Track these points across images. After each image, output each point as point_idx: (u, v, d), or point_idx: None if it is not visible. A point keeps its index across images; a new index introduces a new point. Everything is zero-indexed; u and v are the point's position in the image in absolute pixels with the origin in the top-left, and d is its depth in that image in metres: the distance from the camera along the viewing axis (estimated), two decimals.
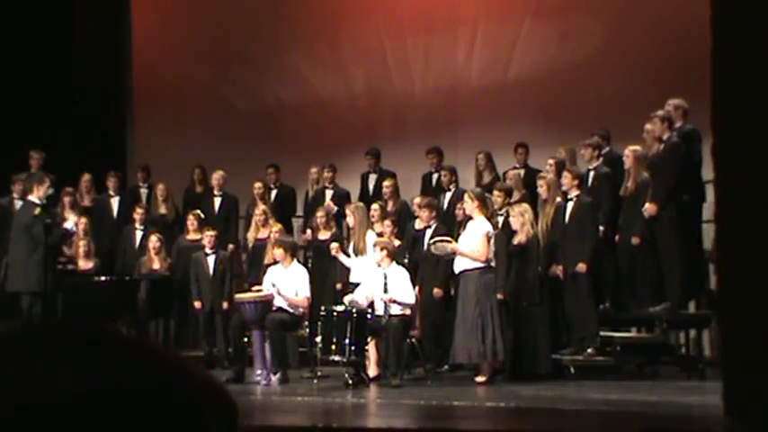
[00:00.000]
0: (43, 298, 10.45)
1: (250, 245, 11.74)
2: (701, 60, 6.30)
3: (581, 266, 9.82)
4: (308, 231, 11.99)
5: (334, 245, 10.69)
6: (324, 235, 11.30)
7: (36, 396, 0.80)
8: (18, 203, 11.48)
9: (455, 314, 9.71)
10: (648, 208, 9.82)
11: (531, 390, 8.93)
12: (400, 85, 13.84)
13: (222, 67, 14.37)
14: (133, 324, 11.04)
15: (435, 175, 12.03)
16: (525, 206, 10.00)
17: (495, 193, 10.35)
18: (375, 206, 11.01)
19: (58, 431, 0.79)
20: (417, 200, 11.19)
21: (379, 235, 10.43)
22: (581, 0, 13.04)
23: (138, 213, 12.03)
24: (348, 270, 10.66)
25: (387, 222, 10.61)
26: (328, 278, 11.15)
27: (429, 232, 10.47)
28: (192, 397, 0.85)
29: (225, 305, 11.07)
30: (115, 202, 12.70)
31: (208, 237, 11.21)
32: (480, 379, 9.47)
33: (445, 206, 11.37)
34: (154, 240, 11.47)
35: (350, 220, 10.79)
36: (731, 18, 6.02)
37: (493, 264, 9.61)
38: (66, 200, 11.86)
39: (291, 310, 9.93)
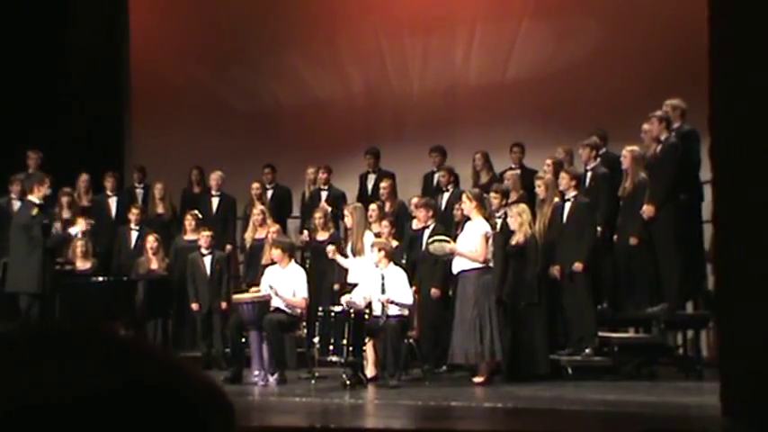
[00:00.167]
0: (41, 298, 10.45)
1: (248, 245, 11.74)
2: (699, 61, 6.31)
3: (577, 266, 9.82)
4: (305, 232, 12.00)
5: (331, 247, 10.69)
6: (322, 236, 11.29)
7: (33, 397, 0.79)
8: (16, 204, 11.48)
9: (453, 315, 9.71)
10: (646, 209, 9.83)
11: (528, 390, 8.93)
12: (398, 86, 13.84)
13: (220, 68, 14.37)
14: (131, 324, 11.04)
15: (437, 175, 12.01)
16: (523, 206, 10.01)
17: (492, 194, 10.35)
18: (373, 206, 11.02)
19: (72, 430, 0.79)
20: (415, 200, 11.19)
21: (377, 235, 10.43)
22: (579, 1, 13.05)
23: (134, 214, 12.03)
24: (346, 271, 10.66)
25: (384, 223, 10.61)
26: (326, 279, 11.14)
27: (427, 232, 10.47)
28: (189, 398, 0.85)
29: (223, 305, 11.07)
30: (113, 203, 12.71)
31: (204, 237, 11.22)
32: (478, 379, 9.47)
33: (443, 206, 11.37)
34: (151, 241, 11.47)
35: (348, 221, 10.79)
36: (729, 18, 6.02)
37: (491, 264, 9.61)
38: (65, 200, 11.86)
39: (289, 311, 9.92)
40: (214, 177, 12.59)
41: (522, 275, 9.79)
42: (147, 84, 14.62)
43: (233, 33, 14.18)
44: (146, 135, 14.45)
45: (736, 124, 5.94)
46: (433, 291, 10.38)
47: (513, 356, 9.66)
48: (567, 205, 10.12)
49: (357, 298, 9.76)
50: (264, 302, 9.87)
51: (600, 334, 10.06)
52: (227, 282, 11.34)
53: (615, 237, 10.42)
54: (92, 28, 14.16)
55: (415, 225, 10.84)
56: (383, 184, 11.78)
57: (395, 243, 10.43)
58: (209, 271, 11.19)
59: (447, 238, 9.85)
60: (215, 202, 12.60)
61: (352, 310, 9.48)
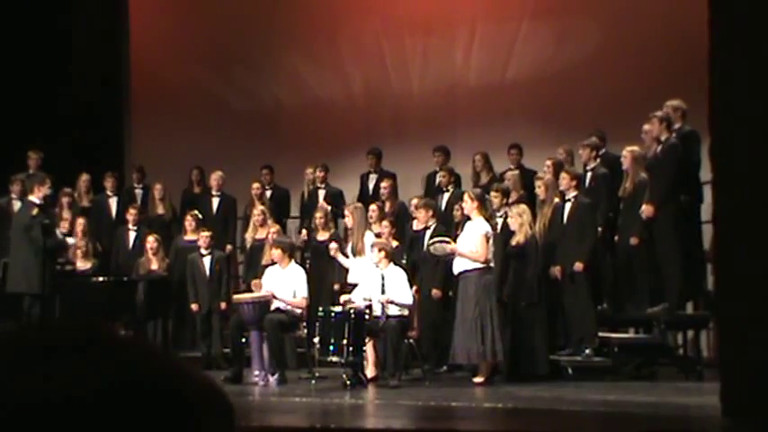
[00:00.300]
0: (42, 299, 10.45)
1: (248, 245, 11.73)
2: (699, 61, 6.31)
3: (578, 266, 9.82)
4: (304, 232, 12.01)
5: (333, 245, 10.69)
6: (322, 236, 11.29)
7: (33, 397, 0.80)
8: (16, 204, 11.48)
9: (454, 315, 9.71)
10: (646, 209, 9.83)
11: (528, 390, 8.93)
12: (398, 86, 13.83)
13: (220, 68, 14.36)
14: (131, 324, 11.04)
15: (438, 175, 12.00)
16: (523, 207, 10.01)
17: (493, 193, 10.35)
18: (373, 207, 11.02)
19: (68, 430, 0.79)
20: (415, 201, 11.18)
21: (378, 236, 10.43)
22: (578, 1, 13.05)
23: (131, 214, 12.03)
24: (346, 271, 10.66)
25: (385, 223, 10.61)
26: (326, 279, 11.14)
27: (428, 233, 10.46)
28: (189, 398, 0.85)
29: (222, 306, 11.07)
30: (113, 203, 12.70)
31: (203, 237, 11.22)
32: (478, 380, 9.47)
33: (443, 207, 11.36)
34: (151, 241, 11.47)
35: (348, 221, 10.79)
36: (729, 19, 6.03)
37: (492, 264, 9.60)
38: (65, 200, 11.86)
39: (289, 311, 9.91)
40: (214, 177, 12.59)
41: (523, 276, 9.79)
42: (147, 84, 14.61)
43: (233, 33, 14.17)
44: (146, 135, 14.44)
45: (736, 125, 5.95)
46: (434, 291, 10.38)
47: (513, 357, 9.66)
48: (568, 205, 10.12)
49: (357, 298, 9.76)
50: (265, 302, 9.87)
51: (600, 334, 10.06)
52: (227, 282, 11.35)
53: (616, 237, 10.42)
54: (92, 28, 14.16)
55: (416, 226, 10.84)
56: (384, 185, 11.78)
57: (395, 243, 10.43)
58: (208, 271, 11.19)
59: (448, 239, 9.85)
60: (215, 202, 12.60)
61: (352, 311, 9.48)
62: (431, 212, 10.63)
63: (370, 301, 9.64)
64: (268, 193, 12.61)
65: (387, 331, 9.54)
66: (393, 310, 9.68)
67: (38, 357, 0.82)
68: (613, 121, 11.43)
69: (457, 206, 10.63)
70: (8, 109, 12.78)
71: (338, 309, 9.65)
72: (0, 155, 12.18)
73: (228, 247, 12.16)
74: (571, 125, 11.98)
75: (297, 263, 10.45)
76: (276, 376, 9.65)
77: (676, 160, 9.86)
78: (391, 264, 9.83)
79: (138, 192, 12.93)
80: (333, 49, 13.96)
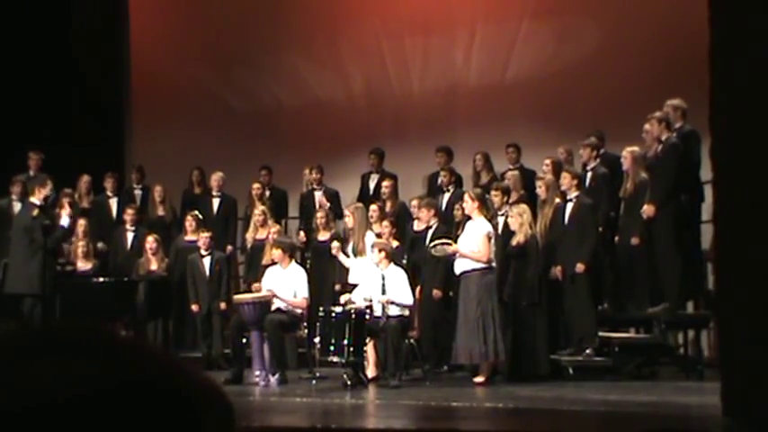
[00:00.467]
0: (42, 299, 10.45)
1: (249, 245, 11.73)
2: (699, 61, 6.31)
3: (579, 267, 9.82)
4: (302, 233, 12.03)
5: (335, 244, 10.69)
6: (323, 236, 11.29)
7: (33, 397, 0.80)
8: (17, 205, 11.48)
9: (455, 315, 9.71)
10: (647, 209, 9.83)
11: (529, 390, 8.93)
12: (399, 86, 13.84)
13: (221, 69, 14.37)
14: (132, 325, 11.05)
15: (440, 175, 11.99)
16: (524, 207, 10.01)
17: (493, 192, 10.36)
18: (374, 207, 11.02)
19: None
20: (415, 201, 11.17)
21: (378, 236, 10.43)
22: (578, 1, 13.05)
23: (129, 214, 12.03)
24: (347, 271, 10.66)
25: (385, 223, 10.61)
26: (327, 279, 11.14)
27: (430, 233, 10.45)
28: (189, 398, 0.85)
29: (222, 306, 11.08)
30: (114, 203, 12.70)
31: (203, 238, 11.22)
32: (479, 379, 9.47)
33: (443, 207, 11.36)
34: (151, 241, 11.48)
35: (349, 221, 10.80)
36: (729, 18, 6.03)
37: (494, 264, 9.60)
38: (65, 201, 11.85)
39: (290, 311, 9.92)
40: (215, 178, 12.59)
41: (523, 276, 9.79)
42: (147, 84, 14.62)
43: (234, 34, 14.17)
44: (146, 136, 14.45)
45: (736, 124, 5.95)
46: (434, 291, 10.38)
47: (514, 357, 9.66)
48: (569, 205, 10.12)
49: (357, 298, 9.76)
50: (265, 303, 9.87)
51: (600, 334, 10.06)
52: (227, 282, 11.35)
53: (617, 237, 10.42)
54: (92, 29, 14.16)
55: (417, 226, 10.84)
56: (384, 184, 11.78)
57: (395, 243, 10.43)
58: (208, 272, 11.19)
59: (449, 240, 9.84)
60: (216, 202, 12.59)
61: (352, 311, 9.49)
62: (433, 212, 10.63)
63: (371, 301, 9.64)
64: (266, 194, 12.60)
65: (387, 331, 9.55)
66: (393, 311, 9.69)
67: (38, 358, 0.82)
68: (614, 120, 11.43)
69: (457, 206, 10.63)
70: (8, 109, 12.78)
71: (339, 309, 9.65)
72: (0, 156, 12.18)
73: (229, 247, 12.17)
74: (571, 125, 11.98)
75: (297, 263, 10.45)
76: (277, 376, 9.66)
77: (677, 160, 9.86)
78: (392, 264, 9.84)
79: (138, 192, 12.93)
80: (333, 50, 13.96)
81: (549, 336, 9.80)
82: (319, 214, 11.43)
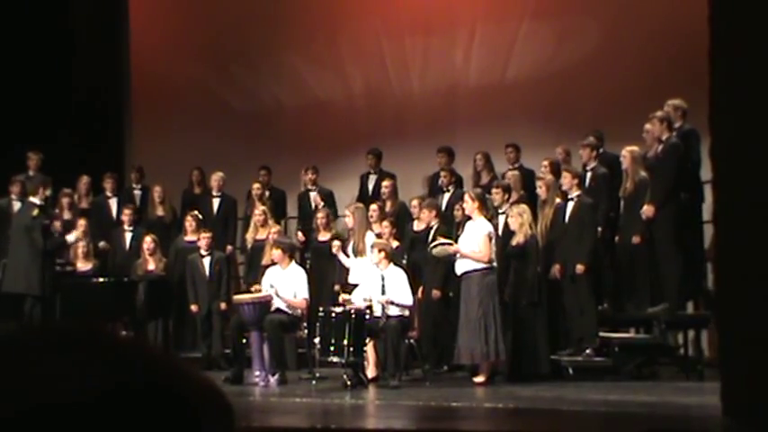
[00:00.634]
0: (41, 299, 10.45)
1: (249, 246, 11.73)
2: (699, 61, 6.30)
3: (579, 268, 9.82)
4: (299, 233, 12.04)
5: (336, 243, 10.68)
6: (323, 236, 11.29)
7: (32, 398, 0.80)
8: (16, 204, 11.48)
9: (456, 315, 9.70)
10: (646, 209, 9.83)
11: (529, 390, 8.93)
12: (399, 86, 13.83)
13: (220, 68, 14.37)
14: (131, 325, 11.05)
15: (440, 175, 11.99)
16: (524, 207, 10.00)
17: (494, 190, 10.36)
18: (373, 207, 11.02)
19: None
20: (415, 202, 11.16)
21: (378, 236, 10.43)
22: (578, 1, 13.05)
23: (126, 215, 12.03)
24: (347, 271, 10.66)
25: (385, 223, 10.61)
26: (327, 279, 11.14)
27: (431, 233, 10.44)
28: (188, 398, 0.85)
29: (223, 306, 11.07)
30: (113, 204, 12.69)
31: (203, 239, 11.22)
32: (479, 379, 9.47)
33: (444, 207, 11.36)
34: (148, 242, 11.48)
35: (349, 221, 10.80)
36: (729, 18, 6.02)
37: (495, 264, 9.60)
38: (65, 201, 11.86)
39: (290, 312, 9.92)
40: (215, 178, 12.58)
41: (523, 276, 9.79)
42: (147, 84, 14.62)
43: (233, 34, 14.17)
44: (146, 136, 14.45)
45: (736, 124, 5.95)
46: (434, 292, 10.38)
47: (515, 357, 9.65)
48: (570, 205, 10.12)
49: (357, 299, 9.76)
50: (265, 303, 9.86)
51: (600, 334, 10.06)
52: (227, 283, 11.34)
53: (617, 237, 10.42)
54: (93, 29, 14.16)
55: (417, 226, 10.83)
56: (384, 184, 11.78)
57: (395, 244, 10.43)
58: (208, 272, 11.19)
59: (450, 241, 9.83)
60: (216, 202, 12.59)
61: (352, 311, 9.48)
62: (434, 212, 10.62)
63: (370, 301, 9.64)
64: (266, 194, 12.60)
65: (387, 332, 9.54)
66: (393, 311, 9.68)
67: (37, 359, 0.82)
68: (614, 120, 11.43)
69: (457, 206, 10.62)
70: (8, 109, 12.78)
71: (339, 309, 9.64)
72: (0, 156, 12.18)
73: (229, 247, 12.16)
74: (571, 125, 11.98)
75: (297, 263, 10.45)
76: (276, 377, 9.66)
77: (677, 159, 9.87)
78: (391, 264, 9.83)
79: (137, 192, 12.93)
80: (333, 50, 13.96)
81: (549, 336, 9.80)
82: (319, 214, 11.43)
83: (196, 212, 11.88)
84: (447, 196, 11.52)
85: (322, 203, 11.89)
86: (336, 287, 10.87)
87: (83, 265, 11.44)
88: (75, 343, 0.85)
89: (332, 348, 9.34)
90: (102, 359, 0.83)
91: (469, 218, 9.81)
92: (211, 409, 0.87)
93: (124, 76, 14.76)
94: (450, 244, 9.75)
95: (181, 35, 14.53)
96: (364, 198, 11.97)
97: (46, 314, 10.32)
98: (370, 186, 12.37)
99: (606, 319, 10.44)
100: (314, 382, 9.78)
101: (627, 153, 10.13)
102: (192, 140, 13.77)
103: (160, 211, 12.53)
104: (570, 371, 9.84)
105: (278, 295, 9.84)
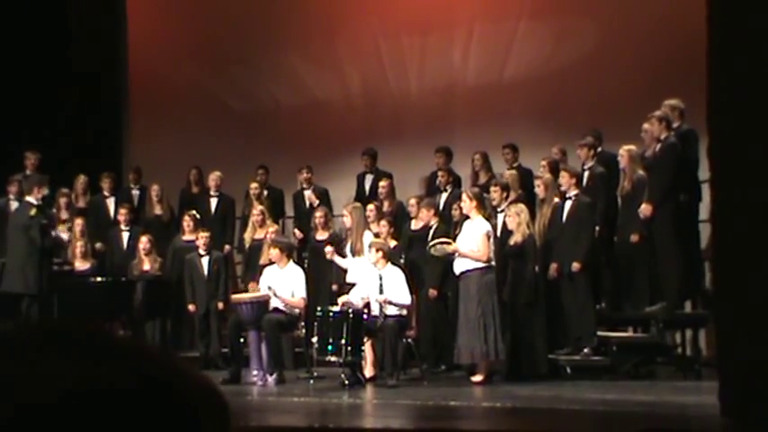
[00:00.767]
0: (39, 299, 10.44)
1: (247, 245, 11.73)
2: (697, 61, 6.31)
3: (576, 266, 9.83)
4: (297, 232, 12.03)
5: (329, 248, 10.68)
6: (321, 235, 11.28)
7: (26, 396, 0.80)
8: (14, 204, 11.47)
9: (456, 315, 9.70)
10: (644, 208, 9.84)
11: (527, 390, 8.94)
12: (396, 86, 13.83)
13: (218, 68, 14.36)
14: (129, 325, 11.05)
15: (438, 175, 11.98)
16: (521, 206, 10.00)
17: (492, 189, 10.35)
18: (371, 206, 11.02)
19: (58, 430, 0.79)
20: (413, 200, 11.16)
21: (376, 236, 10.43)
22: (576, 1, 13.05)
23: (122, 214, 12.03)
24: (344, 271, 10.66)
25: (383, 223, 10.60)
26: (325, 279, 11.14)
27: (430, 233, 10.44)
28: (186, 397, 0.85)
29: (221, 306, 11.07)
30: (111, 203, 12.69)
31: (202, 238, 11.21)
32: (477, 379, 9.47)
33: (441, 206, 11.36)
34: (144, 241, 11.48)
35: (347, 221, 10.79)
36: (727, 18, 6.03)
37: (493, 263, 9.59)
38: (62, 201, 11.85)
39: (288, 311, 9.92)
40: (213, 178, 12.58)
41: (521, 275, 9.79)
42: (145, 84, 14.61)
43: (231, 34, 14.16)
44: (144, 135, 14.44)
45: (733, 124, 5.95)
46: (431, 291, 10.38)
47: (512, 356, 9.66)
48: (568, 204, 10.13)
49: (355, 298, 9.76)
50: (263, 302, 9.86)
51: (598, 333, 10.07)
52: (225, 282, 11.34)
53: (615, 236, 10.43)
54: (90, 29, 14.15)
55: (414, 225, 10.84)
56: (381, 184, 11.78)
57: (393, 243, 10.43)
58: (206, 272, 11.19)
59: (448, 241, 9.83)
60: (213, 202, 12.59)
61: (350, 311, 9.48)
62: (432, 212, 10.62)
63: (368, 300, 9.64)
64: (264, 193, 12.60)
65: (385, 331, 9.54)
66: (391, 310, 9.69)
67: (32, 357, 0.82)
68: (612, 120, 11.43)
69: (455, 206, 10.62)
70: (5, 109, 12.77)
71: (336, 308, 9.64)
72: None
73: (227, 247, 12.16)
74: (569, 124, 11.97)
75: (295, 263, 10.45)
76: (274, 376, 9.65)
77: (675, 159, 9.87)
78: (389, 264, 9.83)
79: (135, 192, 12.93)
80: (331, 50, 13.95)
81: (547, 335, 9.80)
82: (318, 213, 11.43)
83: (194, 212, 11.88)
84: (444, 196, 11.52)
85: (317, 202, 11.89)
86: (334, 287, 10.87)
87: (81, 265, 11.43)
88: (70, 341, 0.85)
89: (330, 348, 9.34)
90: (97, 357, 0.83)
91: (467, 217, 9.81)
92: (208, 407, 0.87)
93: (122, 76, 14.75)
94: (449, 243, 9.75)
95: (179, 35, 14.52)
96: (361, 198, 11.97)
97: (43, 313, 10.31)
98: (367, 186, 12.37)
99: (604, 318, 10.45)
100: (312, 381, 9.78)
101: (624, 152, 10.14)
102: (189, 140, 13.76)
103: (158, 210, 12.52)
104: (568, 370, 9.85)
105: (276, 295, 9.84)
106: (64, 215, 11.76)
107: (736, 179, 5.94)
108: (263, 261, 10.74)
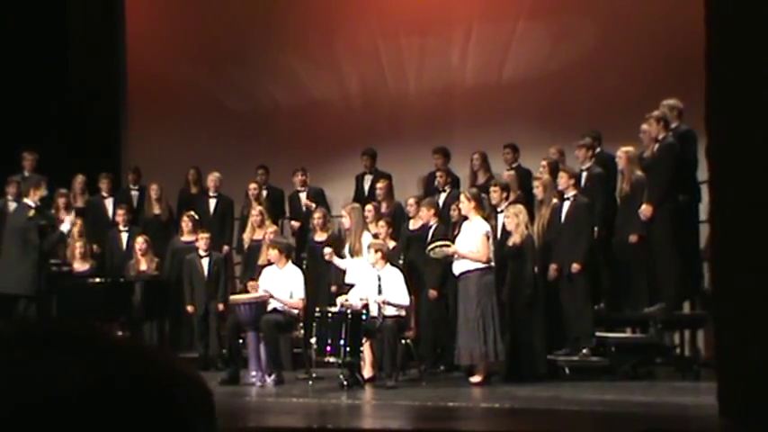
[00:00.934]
0: (37, 300, 10.43)
1: (246, 246, 11.72)
2: (695, 61, 6.31)
3: (575, 267, 9.83)
4: (293, 223, 12.06)
5: (328, 250, 10.68)
6: (320, 236, 11.28)
7: (24, 396, 0.79)
8: (12, 205, 11.46)
9: (455, 316, 9.70)
10: (644, 209, 9.83)
11: (526, 390, 8.93)
12: (395, 86, 13.83)
13: (216, 69, 14.36)
14: (128, 325, 11.04)
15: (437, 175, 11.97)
16: (520, 207, 10.00)
17: (492, 189, 10.35)
18: (369, 207, 11.01)
19: (49, 430, 0.79)
20: (411, 200, 11.15)
21: (375, 236, 10.43)
22: (575, 1, 13.05)
23: (120, 215, 12.02)
24: (343, 272, 10.66)
25: (381, 223, 10.60)
26: (323, 280, 11.14)
27: (430, 233, 10.44)
28: (178, 397, 0.84)
29: (220, 307, 11.07)
30: (109, 204, 12.68)
31: (202, 239, 11.21)
32: (475, 379, 9.46)
33: (440, 207, 11.34)
34: (140, 242, 11.47)
35: (346, 222, 10.79)
36: (725, 19, 6.02)
37: (493, 264, 9.59)
38: (61, 201, 11.84)
39: (286, 312, 9.91)
40: (212, 178, 12.58)
41: (520, 276, 9.79)
42: (143, 84, 14.61)
43: (229, 34, 14.16)
44: (142, 136, 14.44)
45: (732, 124, 5.95)
46: (430, 292, 10.37)
47: (511, 356, 9.65)
48: (566, 204, 10.13)
49: (354, 299, 9.76)
50: (262, 303, 9.86)
51: (597, 334, 10.06)
52: (224, 283, 11.34)
53: (613, 237, 10.42)
54: (89, 29, 14.15)
55: (413, 225, 10.83)
56: (380, 185, 11.78)
57: (392, 244, 10.42)
58: (206, 273, 11.18)
59: (447, 242, 9.82)
60: (212, 202, 12.58)
61: (349, 311, 9.48)
62: (432, 212, 10.62)
63: (367, 301, 9.64)
64: (263, 194, 12.61)
65: (383, 332, 9.54)
66: (390, 311, 9.68)
67: (31, 357, 0.82)
68: (610, 120, 11.43)
69: (454, 207, 10.62)
70: (3, 109, 12.76)
71: (335, 309, 9.64)
72: None
73: (225, 247, 12.15)
74: (568, 125, 11.97)
75: (294, 263, 10.44)
76: (273, 377, 9.65)
77: (673, 160, 9.87)
78: (388, 264, 9.83)
79: (134, 193, 12.93)
80: (329, 50, 13.95)
81: (545, 336, 9.80)
82: (316, 215, 11.43)
83: (192, 213, 11.87)
84: (443, 197, 11.52)
85: (314, 206, 11.88)
86: (333, 288, 10.86)
87: (80, 266, 11.43)
88: (63, 341, 0.84)
89: (328, 348, 9.34)
90: (85, 355, 0.83)
91: (466, 218, 9.80)
92: (199, 407, 0.86)
93: (120, 77, 14.75)
94: (448, 245, 9.74)
95: (177, 35, 14.52)
96: (360, 198, 11.97)
97: (42, 314, 10.30)
98: (366, 187, 12.37)
99: (603, 318, 10.44)
100: (310, 382, 9.78)
101: (622, 154, 10.13)
102: (188, 140, 13.76)
103: (156, 210, 12.52)
104: (567, 371, 9.85)
105: (272, 298, 9.83)
106: (62, 215, 11.74)
107: (735, 180, 5.94)
108: (261, 262, 10.74)
